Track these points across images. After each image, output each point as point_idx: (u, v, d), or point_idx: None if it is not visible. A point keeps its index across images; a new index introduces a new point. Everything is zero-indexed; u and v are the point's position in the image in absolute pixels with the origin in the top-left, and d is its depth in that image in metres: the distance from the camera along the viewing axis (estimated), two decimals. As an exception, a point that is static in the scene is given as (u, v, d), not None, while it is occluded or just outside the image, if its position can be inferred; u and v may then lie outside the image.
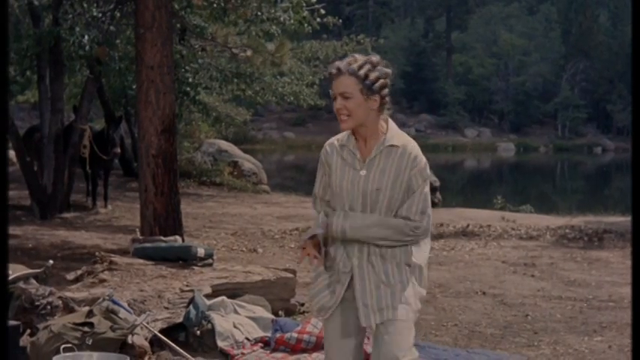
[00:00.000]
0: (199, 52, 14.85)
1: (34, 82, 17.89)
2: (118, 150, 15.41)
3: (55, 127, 14.08)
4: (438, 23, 75.83)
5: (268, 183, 22.82)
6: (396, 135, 3.87)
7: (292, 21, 13.50)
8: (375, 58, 3.84)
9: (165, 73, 10.38)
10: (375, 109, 3.81)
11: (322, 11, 14.26)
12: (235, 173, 21.61)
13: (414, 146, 3.85)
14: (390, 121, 3.91)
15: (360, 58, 3.82)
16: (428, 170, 3.87)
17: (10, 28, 14.77)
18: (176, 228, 10.40)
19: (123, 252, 9.12)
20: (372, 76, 3.76)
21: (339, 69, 3.78)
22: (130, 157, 21.17)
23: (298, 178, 34.32)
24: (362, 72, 3.75)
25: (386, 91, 3.83)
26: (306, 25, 13.79)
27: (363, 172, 3.84)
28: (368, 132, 3.85)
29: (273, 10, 13.35)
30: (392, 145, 3.83)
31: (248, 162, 22.84)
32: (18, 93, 24.13)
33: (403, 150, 3.83)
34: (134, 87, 17.87)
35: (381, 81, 3.79)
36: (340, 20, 17.59)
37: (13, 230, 12.12)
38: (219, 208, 16.60)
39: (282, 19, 13.36)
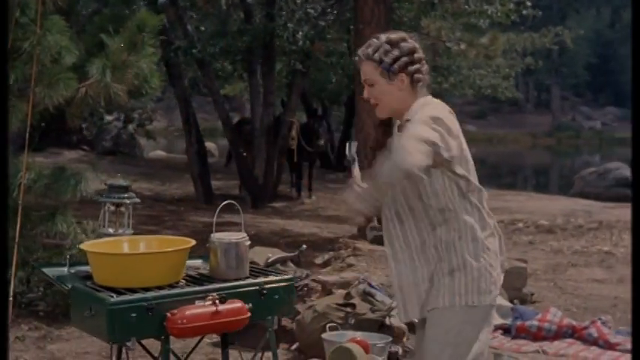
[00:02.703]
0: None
1: (235, 76, 18.60)
2: (322, 142, 15.84)
3: (267, 120, 14.62)
4: (625, 13, 73.38)
5: (461, 176, 22.81)
6: (415, 108, 3.42)
7: (499, 13, 13.54)
8: (396, 35, 3.47)
9: (383, 67, 10.65)
10: (406, 90, 3.44)
11: (528, 3, 14.24)
12: (429, 166, 21.76)
13: (423, 109, 3.36)
14: (425, 97, 3.47)
15: (381, 39, 3.46)
16: (431, 118, 3.26)
17: (218, 23, 15.47)
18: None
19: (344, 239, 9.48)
20: (390, 57, 3.40)
21: (358, 56, 3.50)
22: (327, 149, 21.65)
23: (486, 170, 34.10)
24: (377, 55, 3.41)
25: (413, 67, 3.43)
26: (512, 16, 13.82)
27: None
28: (405, 115, 3.46)
29: (480, 3, 13.45)
30: (407, 120, 3.41)
31: (440, 154, 22.93)
32: (220, 87, 25.07)
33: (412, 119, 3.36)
34: (334, 81, 18.37)
35: (403, 59, 3.40)
36: (540, 12, 17.44)
37: (231, 218, 12.70)
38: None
39: (489, 11, 13.44)
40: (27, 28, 6.03)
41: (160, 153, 27.04)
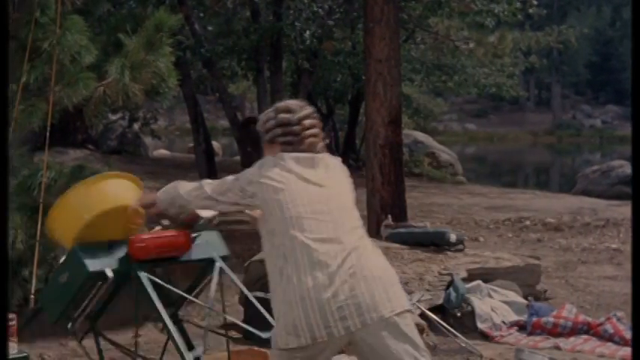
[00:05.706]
0: (412, 45, 15.15)
1: (239, 75, 18.60)
2: (328, 141, 15.89)
3: (274, 119, 14.64)
4: (626, 11, 73.40)
5: (464, 174, 22.90)
6: None
7: (506, 12, 13.61)
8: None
9: (392, 66, 10.65)
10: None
11: (534, 2, 14.30)
12: (434, 164, 21.82)
13: None
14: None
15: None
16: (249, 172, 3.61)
17: (225, 22, 15.49)
18: (402, 216, 10.68)
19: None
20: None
21: None
22: (332, 148, 21.72)
23: (487, 169, 34.15)
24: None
25: (268, 135, 3.59)
26: (518, 15, 13.90)
27: None
28: None
29: (487, 2, 13.52)
30: None
31: (444, 153, 23.01)
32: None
33: None
34: (338, 79, 18.41)
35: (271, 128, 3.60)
36: (545, 11, 17.52)
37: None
38: (425, 198, 16.86)
39: (496, 10, 13.50)
40: (47, 27, 6.06)
41: (164, 152, 27.08)
